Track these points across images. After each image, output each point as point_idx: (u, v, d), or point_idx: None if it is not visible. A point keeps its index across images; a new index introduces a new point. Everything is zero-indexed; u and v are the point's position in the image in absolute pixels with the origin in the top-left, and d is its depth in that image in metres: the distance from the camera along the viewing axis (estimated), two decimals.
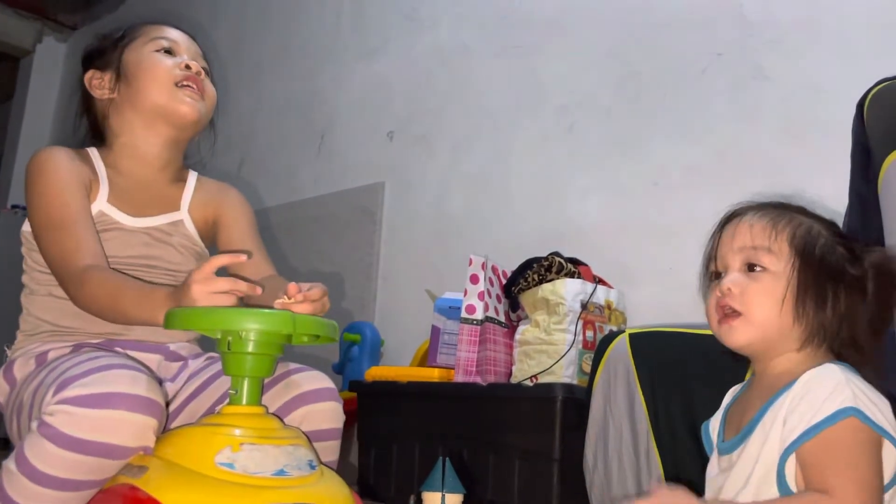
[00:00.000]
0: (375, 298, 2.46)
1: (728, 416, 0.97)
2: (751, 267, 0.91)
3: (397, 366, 2.04)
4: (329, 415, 1.05)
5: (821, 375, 0.84)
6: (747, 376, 1.08)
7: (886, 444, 0.82)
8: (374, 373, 1.82)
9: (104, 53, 1.27)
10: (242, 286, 0.93)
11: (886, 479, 0.82)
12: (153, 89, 1.20)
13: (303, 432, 0.97)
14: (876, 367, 0.89)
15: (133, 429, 0.87)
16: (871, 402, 0.82)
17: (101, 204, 1.18)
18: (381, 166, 2.55)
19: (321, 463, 0.95)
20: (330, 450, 1.06)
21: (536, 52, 2.22)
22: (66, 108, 4.02)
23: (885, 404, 0.83)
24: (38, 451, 0.86)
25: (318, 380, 1.06)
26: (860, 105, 1.11)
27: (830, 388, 0.82)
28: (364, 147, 2.64)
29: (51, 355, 1.08)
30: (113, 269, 1.10)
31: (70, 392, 0.87)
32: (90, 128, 1.29)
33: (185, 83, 1.21)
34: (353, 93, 2.72)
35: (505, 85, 2.28)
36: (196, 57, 1.27)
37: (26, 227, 1.16)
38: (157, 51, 1.23)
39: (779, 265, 0.89)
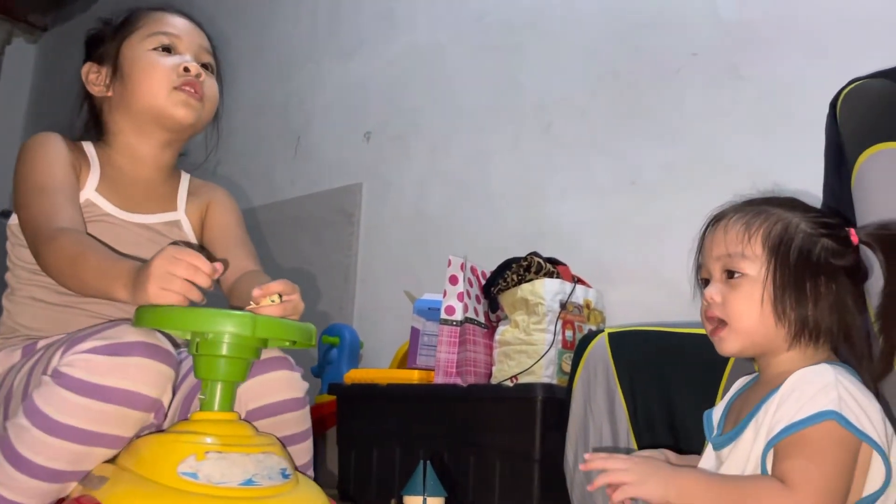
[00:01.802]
0: (354, 300, 2.44)
1: (731, 408, 0.97)
2: (730, 274, 0.91)
3: (377, 368, 2.03)
4: (286, 384, 0.99)
5: (809, 375, 0.84)
6: (729, 365, 1.09)
7: (876, 454, 0.82)
8: (354, 375, 1.81)
9: (103, 42, 1.22)
10: (201, 278, 0.87)
11: (875, 487, 0.82)
12: (149, 92, 1.16)
13: (257, 411, 0.94)
14: (881, 365, 0.89)
15: (153, 376, 0.85)
16: (859, 405, 0.81)
17: (89, 192, 1.14)
18: (359, 167, 2.54)
19: (296, 469, 0.92)
20: (291, 423, 1.00)
21: (514, 53, 2.22)
22: (37, 110, 3.96)
23: (873, 409, 0.83)
24: (55, 401, 0.83)
25: (271, 351, 1.00)
26: (833, 104, 1.12)
27: (817, 388, 0.82)
28: (341, 148, 2.62)
29: (41, 343, 1.04)
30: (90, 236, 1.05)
31: (87, 344, 0.85)
32: (89, 119, 1.25)
33: (183, 88, 1.16)
34: (330, 94, 2.70)
35: (482, 85, 2.28)
36: (199, 52, 1.21)
37: (12, 220, 1.12)
38: (156, 48, 1.17)
39: (754, 268, 0.89)
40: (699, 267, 0.97)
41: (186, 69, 1.17)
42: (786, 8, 1.75)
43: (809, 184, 1.23)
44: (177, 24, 1.21)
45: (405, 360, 1.88)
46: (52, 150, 1.13)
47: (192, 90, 1.17)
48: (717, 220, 0.95)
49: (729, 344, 0.91)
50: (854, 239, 0.90)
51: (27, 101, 4.08)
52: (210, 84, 1.21)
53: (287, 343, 0.94)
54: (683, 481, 0.83)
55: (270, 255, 2.66)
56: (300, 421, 1.03)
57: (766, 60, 1.76)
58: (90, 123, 1.25)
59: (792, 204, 0.94)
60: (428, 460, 1.12)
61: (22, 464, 0.84)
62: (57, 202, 1.06)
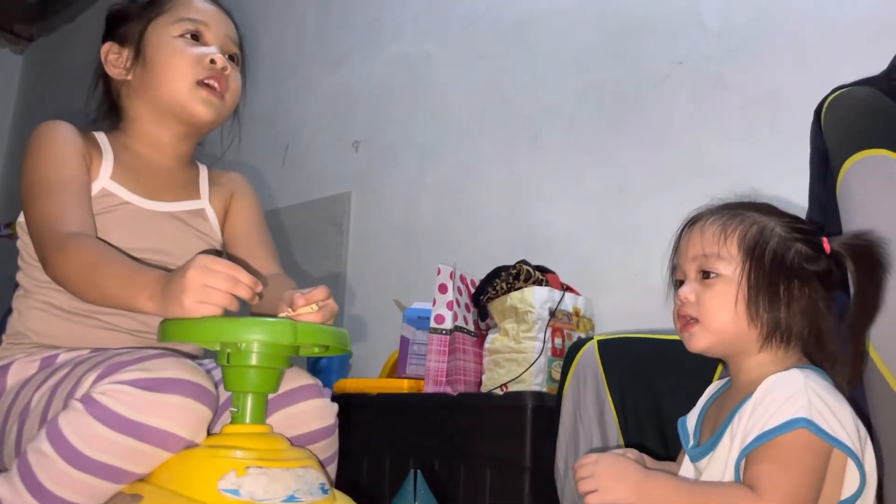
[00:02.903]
0: (343, 310, 2.44)
1: (705, 416, 0.98)
2: (705, 274, 0.92)
3: (366, 377, 2.02)
4: (318, 413, 0.97)
5: (780, 381, 0.84)
6: (717, 374, 1.10)
7: (850, 459, 0.82)
8: (343, 385, 1.80)
9: (126, 21, 1.14)
10: (243, 290, 0.82)
11: (851, 491, 0.83)
12: (171, 83, 1.09)
13: (300, 445, 0.91)
14: (851, 370, 0.90)
15: (193, 417, 0.80)
16: (830, 410, 0.82)
17: (104, 181, 1.07)
18: (348, 176, 2.54)
19: (332, 486, 0.89)
20: (321, 449, 0.98)
21: (501, 62, 2.23)
22: (23, 121, 3.94)
23: (845, 413, 0.83)
24: (85, 432, 0.77)
25: (298, 377, 0.97)
26: (817, 112, 1.13)
27: (787, 395, 0.83)
28: (330, 157, 2.62)
29: (62, 357, 0.98)
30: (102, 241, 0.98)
31: (125, 375, 0.79)
32: (104, 101, 1.18)
33: (207, 81, 1.10)
34: (318, 103, 2.70)
35: (470, 94, 2.29)
36: (226, 42, 1.15)
37: (22, 217, 1.05)
38: (183, 35, 1.11)
39: (729, 269, 0.90)
40: (674, 268, 0.98)
41: (213, 61, 1.11)
42: (769, 17, 1.77)
43: (794, 191, 1.24)
44: (206, 11, 1.14)
45: (395, 370, 1.88)
46: (61, 140, 1.05)
47: (216, 85, 1.11)
48: (693, 221, 0.97)
49: (697, 340, 0.92)
50: (826, 247, 0.91)
51: (13, 111, 4.05)
52: (234, 77, 1.15)
53: (318, 349, 0.90)
54: (653, 487, 0.83)
55: None
56: (330, 446, 1.00)
57: (750, 69, 1.77)
58: (104, 106, 1.19)
59: (768, 209, 0.95)
60: (418, 469, 1.12)
61: (42, 495, 0.78)
62: (65, 202, 0.99)
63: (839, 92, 1.12)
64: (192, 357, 1.07)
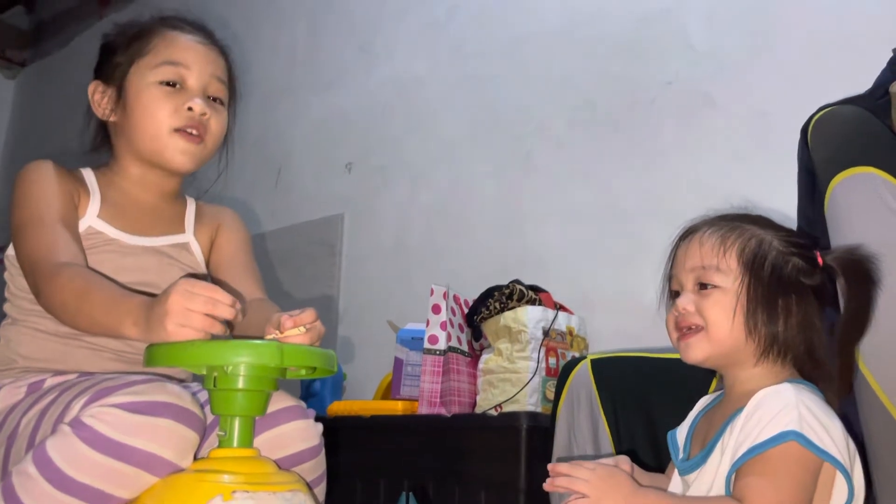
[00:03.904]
0: (336, 331, 2.43)
1: (696, 429, 0.98)
2: (703, 286, 0.92)
3: (361, 399, 2.01)
4: (302, 433, 0.97)
5: (771, 395, 0.85)
6: (712, 388, 1.10)
7: (839, 473, 0.82)
8: (337, 407, 1.79)
9: (111, 58, 1.15)
10: (223, 311, 0.83)
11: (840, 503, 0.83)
12: (148, 131, 1.10)
13: (286, 466, 0.91)
14: (840, 383, 0.90)
15: (179, 441, 0.81)
16: (820, 424, 0.82)
17: (91, 219, 1.09)
18: (340, 198, 2.54)
19: None
20: (307, 470, 0.98)
21: (492, 83, 2.25)
22: (15, 146, 3.94)
23: (835, 427, 0.83)
24: (70, 455, 0.78)
25: (281, 398, 0.97)
26: (804, 130, 1.14)
27: (778, 408, 0.83)
28: (322, 179, 2.63)
29: (48, 382, 0.99)
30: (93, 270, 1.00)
31: (114, 399, 0.80)
32: (96, 135, 1.20)
33: (185, 129, 1.10)
34: (310, 126, 2.71)
35: (461, 115, 2.31)
36: (209, 83, 1.14)
37: (10, 250, 1.07)
38: (162, 82, 1.11)
39: (727, 281, 0.91)
40: (670, 278, 0.98)
41: (191, 109, 1.11)
42: (755, 38, 1.79)
43: (784, 208, 1.25)
44: (189, 51, 1.13)
45: (389, 391, 1.87)
46: (48, 179, 1.08)
47: (195, 132, 1.11)
48: (690, 232, 0.97)
49: (695, 350, 0.92)
50: (819, 261, 0.92)
51: (5, 137, 4.06)
52: (216, 119, 1.14)
53: (305, 371, 0.90)
54: (643, 502, 0.83)
55: None
56: (316, 467, 1.00)
57: (738, 88, 1.79)
58: (98, 140, 1.20)
59: (765, 222, 0.96)
60: (412, 492, 1.11)
61: None
62: (55, 235, 1.01)
63: (825, 111, 1.13)
64: (180, 381, 1.08)
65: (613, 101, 1.99)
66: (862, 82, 1.25)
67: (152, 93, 1.11)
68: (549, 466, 0.88)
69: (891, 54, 1.24)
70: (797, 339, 0.89)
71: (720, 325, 0.90)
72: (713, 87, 1.83)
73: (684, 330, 0.92)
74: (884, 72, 1.22)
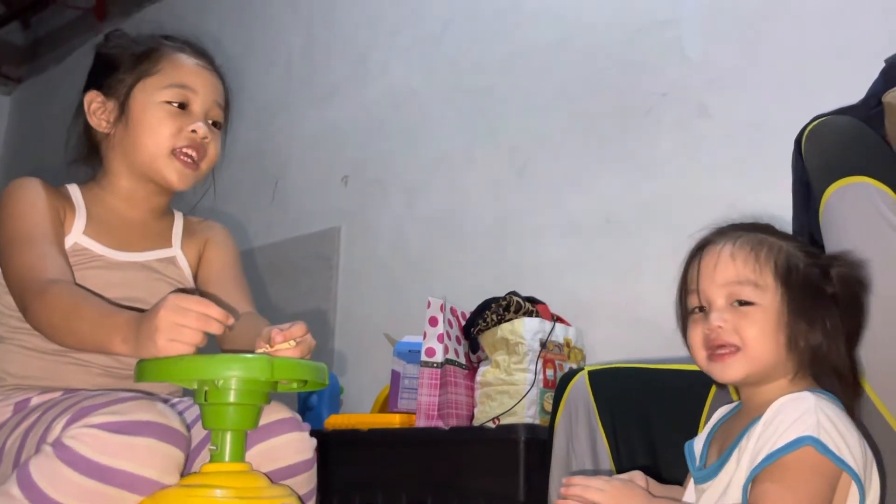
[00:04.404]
0: (334, 345, 2.43)
1: (713, 439, 0.97)
2: (740, 302, 0.89)
3: (358, 413, 2.01)
4: (296, 446, 0.97)
5: (790, 403, 0.84)
6: (707, 402, 1.10)
7: (853, 483, 0.82)
8: (334, 421, 1.79)
9: (115, 72, 1.15)
10: (213, 326, 0.83)
11: None
12: (149, 148, 1.11)
13: (269, 475, 0.90)
14: (854, 387, 0.89)
15: (162, 459, 0.81)
16: (838, 432, 0.81)
17: (77, 236, 1.09)
18: (337, 211, 2.55)
19: None
20: (300, 484, 0.97)
21: (487, 96, 2.26)
22: (11, 162, 3.94)
23: (853, 437, 0.83)
24: (53, 477, 0.78)
25: (276, 410, 0.97)
26: (798, 141, 1.15)
27: (796, 415, 0.82)
28: (319, 192, 2.63)
29: (34, 401, 0.99)
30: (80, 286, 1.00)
31: (94, 419, 0.80)
32: (81, 146, 1.19)
33: (185, 150, 1.12)
34: (306, 139, 2.72)
35: (457, 127, 2.31)
36: (212, 108, 1.16)
37: None
38: (169, 102, 1.12)
39: (765, 298, 0.88)
40: (688, 293, 0.94)
41: (194, 131, 1.13)
42: (748, 49, 1.80)
43: (780, 218, 1.25)
44: (196, 75, 1.15)
45: (386, 404, 1.87)
46: (33, 196, 1.08)
47: (194, 154, 1.13)
48: (711, 242, 0.94)
49: (734, 370, 0.89)
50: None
51: (1, 153, 4.06)
52: (214, 146, 1.17)
53: (297, 385, 0.90)
54: None
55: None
56: (309, 481, 1.00)
57: (732, 98, 1.80)
58: (84, 153, 1.20)
59: (777, 231, 0.95)
60: None
61: None
62: (42, 252, 1.02)
63: (818, 121, 1.14)
64: (165, 400, 1.06)
65: (608, 113, 2.00)
66: (855, 93, 1.26)
67: (158, 111, 1.12)
68: (564, 479, 0.87)
69: (883, 65, 1.25)
70: (832, 347, 0.88)
71: (760, 343, 0.88)
72: (707, 98, 1.84)
73: (717, 349, 0.89)
74: (876, 82, 1.22)
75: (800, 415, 0.82)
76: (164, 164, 1.12)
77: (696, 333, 0.92)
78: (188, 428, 0.87)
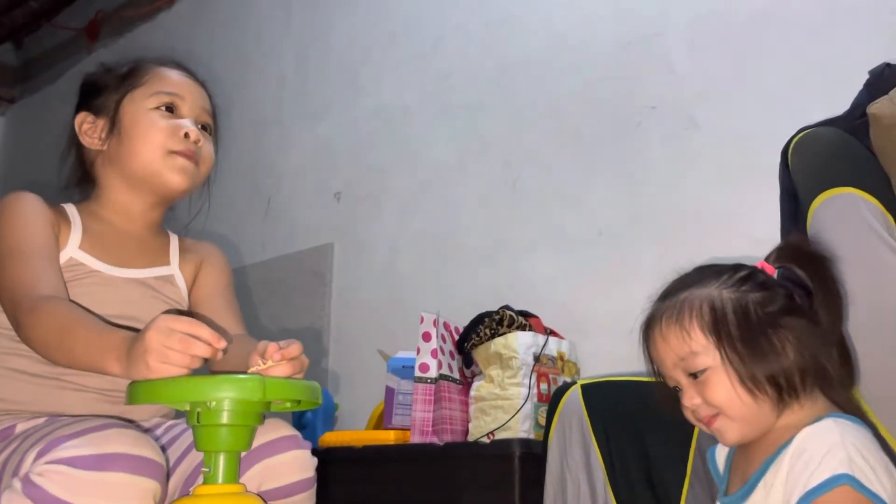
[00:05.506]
0: (328, 362, 2.42)
1: (734, 461, 0.96)
2: (693, 375, 0.90)
3: (352, 430, 2.00)
4: (298, 464, 0.96)
5: (815, 435, 0.83)
6: None
7: None
8: (329, 439, 1.78)
9: (102, 92, 1.17)
10: (201, 349, 0.82)
11: None
12: (145, 153, 1.12)
13: (270, 493, 0.90)
14: (850, 378, 0.88)
15: (135, 493, 0.79)
16: (867, 463, 0.80)
17: (72, 250, 1.08)
18: (329, 228, 2.55)
19: None
20: (301, 502, 0.96)
21: (478, 111, 2.27)
22: (5, 182, 3.93)
23: (880, 463, 0.82)
24: None
25: (278, 428, 0.96)
26: (784, 152, 1.16)
27: (825, 450, 0.81)
28: (311, 209, 2.63)
29: (19, 428, 0.97)
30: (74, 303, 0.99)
31: (63, 452, 0.78)
32: (76, 171, 1.20)
33: (179, 153, 1.12)
34: (299, 156, 2.73)
35: (448, 143, 2.32)
36: (200, 113, 1.18)
37: None
38: (158, 107, 1.14)
39: (709, 358, 0.89)
40: (662, 377, 0.95)
41: (187, 135, 1.13)
42: (736, 61, 1.82)
43: (769, 229, 1.26)
44: (181, 84, 1.17)
45: (381, 421, 1.86)
46: (28, 210, 1.07)
47: (190, 154, 1.14)
48: (649, 330, 0.95)
49: (729, 434, 0.90)
50: (770, 270, 0.92)
51: None
52: (207, 148, 1.18)
53: (290, 404, 0.90)
54: None
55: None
56: (308, 500, 0.99)
57: (721, 111, 1.82)
58: (76, 175, 1.20)
59: (706, 274, 0.94)
60: None
61: None
62: (37, 267, 1.00)
63: (804, 133, 1.15)
64: (147, 430, 1.05)
65: (599, 126, 2.01)
66: (841, 104, 1.27)
67: (150, 117, 1.13)
68: None
69: (867, 77, 1.26)
70: (802, 362, 0.87)
71: (731, 402, 0.88)
72: (696, 111, 1.85)
73: (705, 420, 0.91)
74: (861, 93, 1.23)
75: (828, 449, 0.80)
76: (162, 165, 1.12)
77: (686, 411, 0.93)
78: (164, 455, 0.86)
